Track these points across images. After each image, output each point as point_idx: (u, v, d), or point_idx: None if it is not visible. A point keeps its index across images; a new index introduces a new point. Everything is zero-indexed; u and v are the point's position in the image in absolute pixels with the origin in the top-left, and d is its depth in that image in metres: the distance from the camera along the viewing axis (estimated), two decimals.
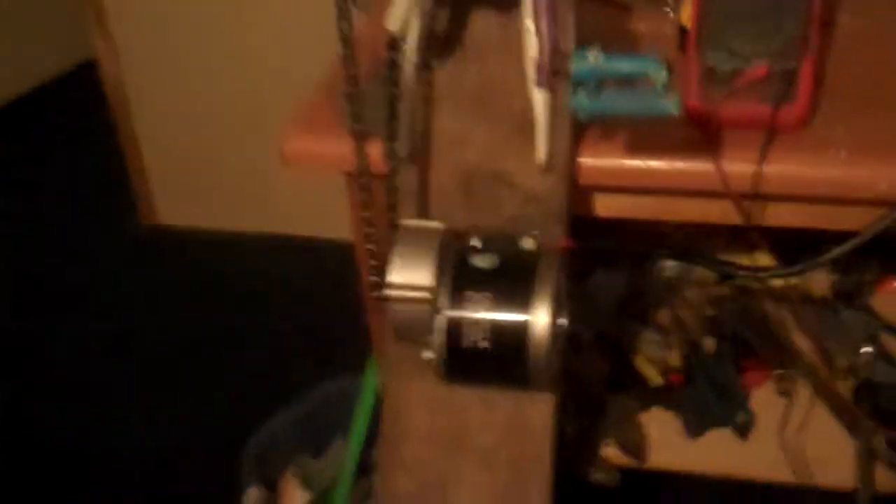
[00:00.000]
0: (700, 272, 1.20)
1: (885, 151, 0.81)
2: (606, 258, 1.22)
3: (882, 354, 1.13)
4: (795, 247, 1.04)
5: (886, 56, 0.92)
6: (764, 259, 1.13)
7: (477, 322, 0.72)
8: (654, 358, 1.15)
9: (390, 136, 0.75)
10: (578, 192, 0.85)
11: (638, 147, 0.83)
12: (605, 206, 0.91)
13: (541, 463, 0.83)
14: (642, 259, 1.22)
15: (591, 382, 1.12)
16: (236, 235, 2.17)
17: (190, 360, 1.89)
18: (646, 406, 1.15)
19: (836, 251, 0.79)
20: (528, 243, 0.80)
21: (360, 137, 0.70)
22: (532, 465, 0.83)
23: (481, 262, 0.74)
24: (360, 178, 0.71)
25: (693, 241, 1.27)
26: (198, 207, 2.20)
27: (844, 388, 1.12)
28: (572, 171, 0.82)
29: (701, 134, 0.84)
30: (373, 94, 0.75)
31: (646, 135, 0.84)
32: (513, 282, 0.73)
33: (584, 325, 1.18)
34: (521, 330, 0.71)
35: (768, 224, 0.87)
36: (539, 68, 0.64)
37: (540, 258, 0.74)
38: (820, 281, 1.21)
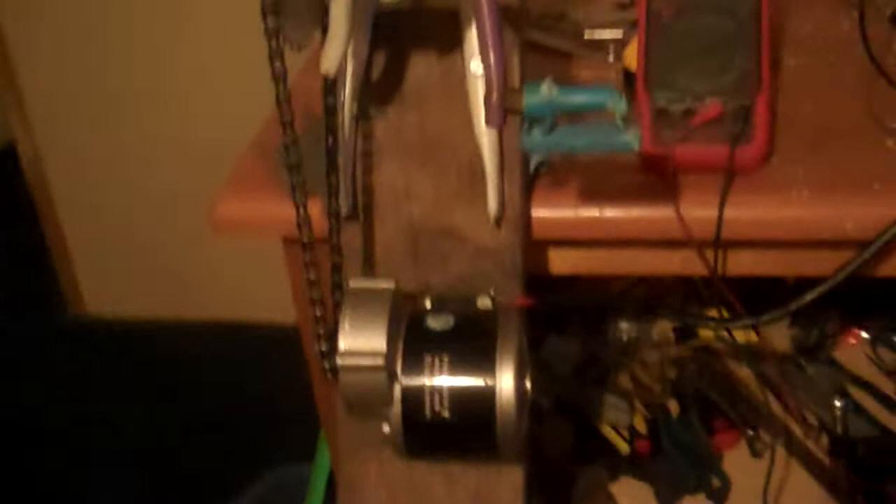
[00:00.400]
0: (658, 332, 1.16)
1: (848, 189, 0.78)
2: (559, 323, 1.17)
3: (854, 408, 1.09)
4: (750, 302, 1.01)
5: (835, 93, 0.90)
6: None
7: (436, 390, 0.65)
8: (619, 424, 1.09)
9: (331, 191, 0.69)
10: (531, 246, 0.80)
11: (592, 195, 0.79)
12: (559, 263, 0.86)
13: None
14: (597, 321, 1.17)
15: (556, 454, 1.06)
16: (170, 323, 2.07)
17: (125, 455, 1.78)
18: (614, 477, 1.08)
19: (809, 295, 0.75)
20: (483, 302, 0.74)
21: (299, 190, 0.64)
22: None
23: (436, 323, 0.68)
24: (303, 236, 0.65)
25: (648, 302, 1.22)
26: (128, 294, 2.10)
27: (819, 445, 1.07)
28: (526, 222, 0.77)
29: (657, 179, 0.80)
30: (309, 148, 0.69)
31: (599, 182, 0.80)
32: (472, 344, 0.67)
33: (542, 393, 1.11)
34: (485, 396, 0.65)
35: (731, 274, 0.83)
36: (489, 106, 0.59)
37: (499, 317, 0.69)
38: (780, 336, 1.18)
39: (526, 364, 0.68)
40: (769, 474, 0.99)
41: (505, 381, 0.65)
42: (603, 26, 0.97)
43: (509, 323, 0.68)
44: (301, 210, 0.64)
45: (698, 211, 0.77)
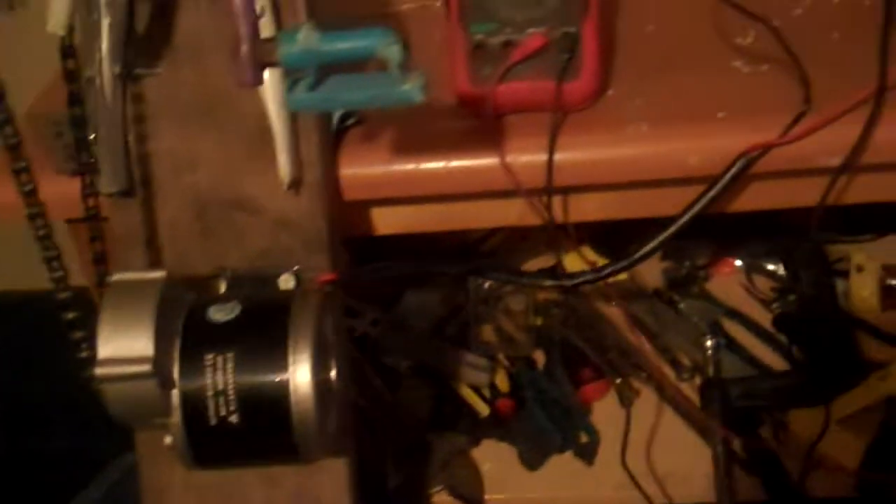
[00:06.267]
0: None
1: (691, 120, 0.70)
2: (416, 276, 1.08)
3: (727, 344, 1.03)
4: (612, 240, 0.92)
5: (678, 11, 0.81)
6: (589, 255, 1.02)
7: (220, 392, 0.56)
8: (479, 384, 1.01)
9: (86, 168, 0.59)
10: (347, 210, 0.71)
11: (405, 147, 0.70)
12: (385, 222, 0.77)
13: None
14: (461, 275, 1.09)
15: (413, 423, 0.98)
16: None
17: None
18: (476, 441, 1.01)
19: (648, 248, 0.67)
20: (287, 281, 0.65)
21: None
22: None
23: (220, 314, 0.59)
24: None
25: (508, 245, 1.15)
26: None
27: (692, 388, 1.01)
28: (330, 186, 0.68)
29: (478, 123, 0.71)
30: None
31: (414, 132, 0.71)
32: (261, 334, 0.58)
33: (400, 356, 1.03)
34: (277, 394, 0.56)
35: (576, 220, 0.75)
36: (238, 61, 0.50)
37: (293, 300, 0.60)
38: (651, 271, 1.11)
39: (330, 350, 0.60)
40: (634, 423, 0.92)
41: (300, 375, 0.57)
42: None
43: (305, 305, 0.59)
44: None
45: (526, 156, 0.69)
